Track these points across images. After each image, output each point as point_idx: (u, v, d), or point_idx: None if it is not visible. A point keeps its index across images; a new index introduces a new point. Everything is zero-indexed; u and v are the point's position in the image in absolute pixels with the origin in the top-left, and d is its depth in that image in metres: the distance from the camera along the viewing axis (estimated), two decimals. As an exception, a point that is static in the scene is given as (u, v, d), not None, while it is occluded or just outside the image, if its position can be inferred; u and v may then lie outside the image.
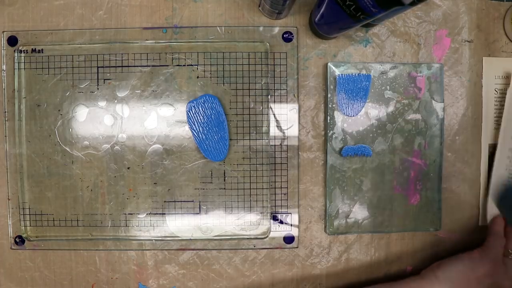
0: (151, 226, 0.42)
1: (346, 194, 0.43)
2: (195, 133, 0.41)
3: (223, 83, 0.42)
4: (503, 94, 0.44)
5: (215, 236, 0.43)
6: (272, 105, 0.42)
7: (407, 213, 0.43)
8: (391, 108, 0.43)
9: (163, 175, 0.42)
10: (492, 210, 0.44)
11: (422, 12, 0.43)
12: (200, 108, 0.41)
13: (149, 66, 0.42)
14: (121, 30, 0.42)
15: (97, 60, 0.42)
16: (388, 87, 0.43)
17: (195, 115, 0.41)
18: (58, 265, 0.43)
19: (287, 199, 0.43)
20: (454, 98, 0.44)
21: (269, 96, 0.42)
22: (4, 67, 0.42)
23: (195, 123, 0.41)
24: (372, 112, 0.43)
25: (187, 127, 0.42)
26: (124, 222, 0.42)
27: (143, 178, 0.42)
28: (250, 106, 0.42)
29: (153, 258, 0.43)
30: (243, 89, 0.42)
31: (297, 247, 0.43)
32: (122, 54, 0.42)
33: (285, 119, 0.42)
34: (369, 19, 0.32)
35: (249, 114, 0.42)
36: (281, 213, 0.43)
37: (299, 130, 0.43)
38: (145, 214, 0.42)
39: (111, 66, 0.42)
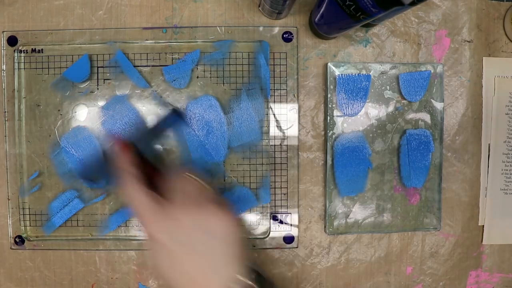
0: (151, 226, 0.42)
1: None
2: (195, 133, 0.41)
3: (223, 83, 0.42)
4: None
5: (215, 236, 0.43)
6: (272, 105, 0.42)
7: (407, 213, 0.43)
8: (391, 108, 0.43)
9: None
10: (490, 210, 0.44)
11: (422, 12, 0.43)
12: (200, 109, 0.41)
13: (149, 66, 0.42)
14: (121, 30, 0.42)
15: (97, 60, 0.42)
16: (388, 87, 0.43)
17: (195, 115, 0.41)
18: (58, 265, 0.43)
19: (287, 199, 0.42)
20: (454, 98, 0.44)
21: (269, 96, 0.42)
22: (4, 67, 0.42)
23: (195, 123, 0.41)
24: (372, 112, 0.43)
25: (186, 127, 0.42)
26: (124, 222, 0.42)
27: (143, 178, 0.42)
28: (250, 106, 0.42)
29: (153, 258, 0.43)
30: (243, 89, 0.42)
31: (297, 247, 0.43)
32: (122, 54, 0.42)
33: (285, 119, 0.42)
34: (369, 19, 0.32)
35: (249, 114, 0.42)
36: (281, 213, 0.43)
37: (299, 130, 0.43)
38: (145, 214, 0.42)
39: (111, 66, 0.42)
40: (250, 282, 0.29)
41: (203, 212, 0.30)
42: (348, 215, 0.43)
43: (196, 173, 0.34)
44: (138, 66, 0.42)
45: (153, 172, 0.34)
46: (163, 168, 0.35)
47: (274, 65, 0.42)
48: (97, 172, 0.40)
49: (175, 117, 0.38)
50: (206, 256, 0.29)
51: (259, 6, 0.42)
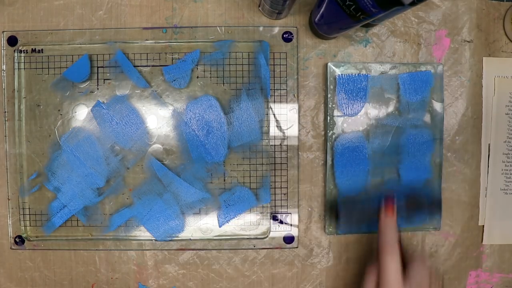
0: (151, 226, 0.42)
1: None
2: (195, 133, 0.41)
3: (223, 83, 0.42)
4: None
5: (215, 236, 0.43)
6: (272, 105, 0.42)
7: (407, 213, 0.43)
8: (391, 108, 0.43)
9: (163, 175, 0.42)
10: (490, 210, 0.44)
11: (422, 12, 0.43)
12: (200, 109, 0.41)
13: (149, 66, 0.42)
14: (121, 30, 0.42)
15: (97, 60, 0.42)
16: (388, 87, 0.42)
17: (195, 115, 0.41)
18: (58, 265, 0.43)
19: (287, 199, 0.43)
20: (454, 98, 0.44)
21: (269, 96, 0.42)
22: (4, 67, 0.42)
23: (195, 123, 0.41)
24: (372, 112, 0.43)
25: (186, 127, 0.42)
26: (124, 222, 0.42)
27: (143, 178, 0.42)
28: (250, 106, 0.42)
29: (153, 258, 0.43)
30: (243, 89, 0.42)
31: (297, 247, 0.43)
32: (122, 54, 0.42)
33: (285, 119, 0.42)
34: (369, 19, 0.32)
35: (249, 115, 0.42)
36: (281, 213, 0.43)
37: (299, 130, 0.43)
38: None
39: (111, 66, 0.42)
40: None
41: None
42: (348, 215, 0.43)
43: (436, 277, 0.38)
44: (138, 66, 0.42)
45: (401, 254, 0.36)
46: (407, 254, 0.37)
47: (274, 65, 0.42)
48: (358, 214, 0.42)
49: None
50: None
51: (259, 6, 0.42)
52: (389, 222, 0.37)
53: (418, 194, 0.42)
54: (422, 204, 0.42)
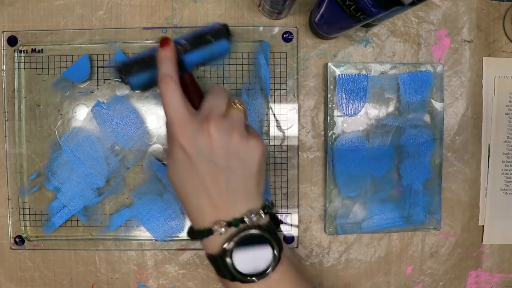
0: (151, 226, 0.42)
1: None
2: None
3: (223, 83, 0.42)
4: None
5: (215, 236, 0.43)
6: (272, 105, 0.42)
7: (407, 213, 0.43)
8: (391, 108, 0.43)
9: (163, 175, 0.42)
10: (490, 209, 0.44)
11: (422, 12, 0.43)
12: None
13: (149, 66, 0.42)
14: (121, 30, 0.42)
15: (97, 60, 0.42)
16: (388, 87, 0.42)
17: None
18: (58, 265, 0.43)
19: (287, 199, 0.42)
20: (454, 98, 0.44)
21: (269, 96, 0.42)
22: (4, 67, 0.42)
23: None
24: (372, 112, 0.43)
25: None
26: (124, 222, 0.42)
27: (143, 178, 0.42)
28: (250, 106, 0.42)
29: (153, 258, 0.43)
30: (243, 89, 0.42)
31: (297, 247, 0.43)
32: (122, 54, 0.42)
33: (285, 119, 0.42)
34: (369, 19, 0.32)
35: (249, 115, 0.42)
36: (281, 213, 0.43)
37: (299, 130, 0.43)
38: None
39: (111, 66, 0.42)
40: (266, 217, 0.29)
41: (239, 137, 0.29)
42: (348, 215, 0.43)
43: (242, 102, 0.32)
44: (138, 66, 0.42)
45: (198, 95, 0.33)
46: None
47: (274, 65, 0.42)
48: (140, 68, 0.35)
49: (224, 32, 0.34)
50: (233, 182, 0.29)
51: (259, 6, 0.42)
52: (165, 53, 0.31)
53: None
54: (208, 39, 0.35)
